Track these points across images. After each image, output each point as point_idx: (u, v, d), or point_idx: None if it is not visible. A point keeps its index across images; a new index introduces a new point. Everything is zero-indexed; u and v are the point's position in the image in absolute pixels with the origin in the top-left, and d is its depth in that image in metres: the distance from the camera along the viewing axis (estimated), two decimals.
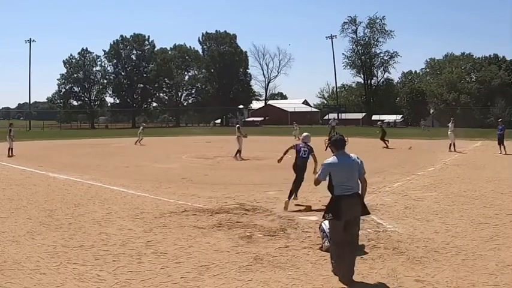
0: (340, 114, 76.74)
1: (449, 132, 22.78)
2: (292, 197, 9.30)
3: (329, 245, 6.27)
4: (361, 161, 5.42)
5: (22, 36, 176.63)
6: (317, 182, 5.53)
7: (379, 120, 32.44)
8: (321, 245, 6.35)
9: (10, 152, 20.98)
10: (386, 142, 25.92)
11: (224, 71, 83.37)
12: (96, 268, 5.55)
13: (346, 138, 5.70)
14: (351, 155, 5.44)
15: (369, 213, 5.68)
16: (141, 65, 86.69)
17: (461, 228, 7.44)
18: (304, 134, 10.04)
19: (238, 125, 21.78)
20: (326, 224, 6.43)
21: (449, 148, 22.31)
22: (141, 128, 33.03)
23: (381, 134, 26.54)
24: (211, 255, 6.09)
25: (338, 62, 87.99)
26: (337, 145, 5.44)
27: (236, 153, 19.48)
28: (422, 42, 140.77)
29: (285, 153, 9.87)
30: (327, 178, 5.35)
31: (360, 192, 5.31)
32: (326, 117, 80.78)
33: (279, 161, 9.99)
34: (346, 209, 5.13)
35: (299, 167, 9.40)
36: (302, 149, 9.44)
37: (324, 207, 5.52)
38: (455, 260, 5.83)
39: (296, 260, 5.86)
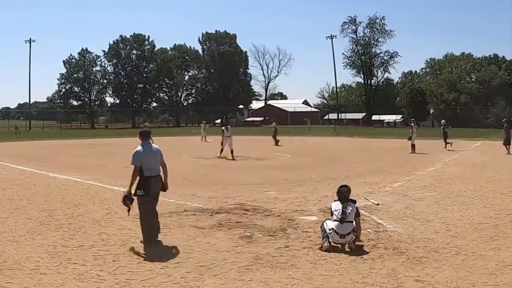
0: (340, 114, 76.66)
1: (414, 134, 22.24)
2: None
3: (328, 245, 6.30)
4: (160, 151, 6.84)
5: (22, 36, 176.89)
6: (136, 168, 6.50)
7: (442, 120, 28.74)
8: (320, 245, 6.35)
9: None
10: (449, 144, 23.73)
11: (224, 71, 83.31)
12: (96, 268, 5.55)
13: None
14: (153, 145, 6.87)
15: (166, 190, 6.90)
16: (141, 65, 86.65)
17: (461, 228, 7.43)
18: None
19: (223, 127, 21.07)
20: (327, 224, 6.45)
21: (412, 149, 21.78)
22: (204, 125, 34.46)
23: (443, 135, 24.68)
24: (211, 255, 6.09)
25: (338, 62, 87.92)
26: (144, 136, 6.82)
27: (232, 154, 19.49)
28: (422, 42, 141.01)
29: None
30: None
31: (161, 174, 6.73)
32: (326, 117, 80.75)
33: None
34: (153, 187, 6.57)
35: None
36: None
37: None
38: (455, 260, 5.82)
39: (296, 260, 5.85)
